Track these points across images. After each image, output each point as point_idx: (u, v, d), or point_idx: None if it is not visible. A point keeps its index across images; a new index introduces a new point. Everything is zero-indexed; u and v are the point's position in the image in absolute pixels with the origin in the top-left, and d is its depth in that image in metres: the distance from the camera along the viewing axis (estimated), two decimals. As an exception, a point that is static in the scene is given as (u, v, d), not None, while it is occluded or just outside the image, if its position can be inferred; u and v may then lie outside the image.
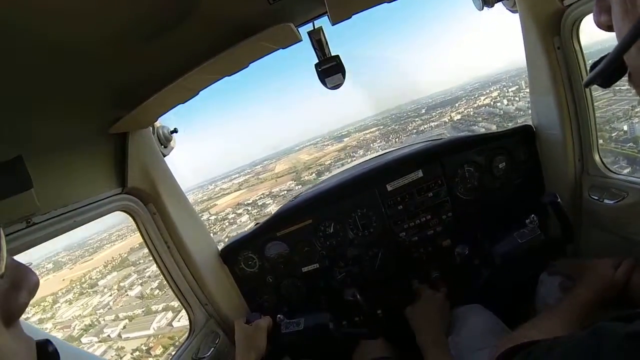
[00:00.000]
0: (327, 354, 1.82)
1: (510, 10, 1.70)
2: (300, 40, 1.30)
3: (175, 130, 1.86)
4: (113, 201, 1.53)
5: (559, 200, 1.51)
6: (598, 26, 0.49)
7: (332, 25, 1.33)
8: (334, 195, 1.96)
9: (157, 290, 10.79)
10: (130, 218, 1.65)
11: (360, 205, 1.94)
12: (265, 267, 2.03)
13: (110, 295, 11.98)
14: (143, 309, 10.30)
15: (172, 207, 1.72)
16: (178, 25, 1.05)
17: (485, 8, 1.64)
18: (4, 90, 0.87)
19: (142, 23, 0.96)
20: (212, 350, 1.73)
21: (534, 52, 1.64)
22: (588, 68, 0.53)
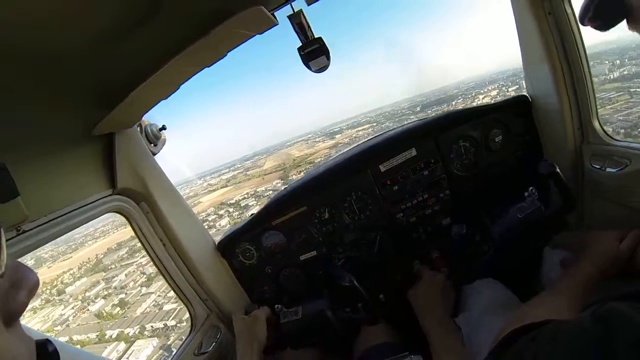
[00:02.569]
0: (329, 343, 1.81)
1: (497, -23, 1.63)
2: (276, 24, 1.26)
3: (164, 127, 1.84)
4: (104, 203, 1.52)
5: (556, 169, 1.46)
6: None
7: (308, 5, 1.29)
8: (326, 180, 1.93)
9: (118, 309, 10.62)
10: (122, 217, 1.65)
11: (354, 188, 1.91)
12: (263, 257, 2.02)
13: (73, 308, 11.88)
14: (97, 333, 10.11)
15: (165, 205, 1.71)
16: (150, 18, 1.02)
17: None
18: None
19: (117, 22, 0.95)
20: (214, 344, 1.74)
21: (524, 19, 1.58)
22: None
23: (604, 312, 0.60)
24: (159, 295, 10.03)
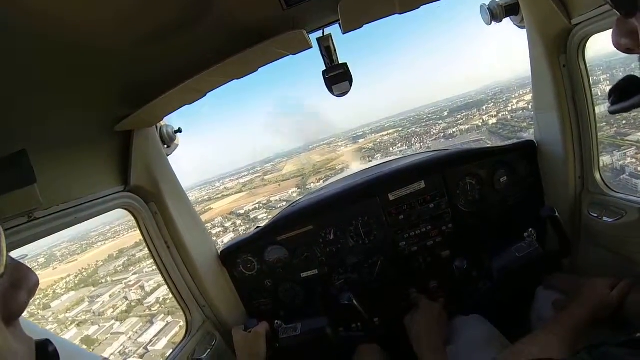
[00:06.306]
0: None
1: (518, 26, 1.71)
2: (311, 47, 1.31)
3: (179, 130, 1.86)
4: (115, 199, 1.53)
5: (556, 214, 1.52)
6: (616, 47, 0.48)
7: (343, 34, 1.34)
8: (336, 203, 1.97)
9: (84, 347, 10.22)
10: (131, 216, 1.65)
11: (361, 213, 1.95)
12: (264, 270, 2.03)
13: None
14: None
15: (174, 207, 1.72)
16: (191, 27, 1.06)
17: (493, 23, 1.66)
18: (12, 86, 0.88)
19: (159, 26, 0.98)
20: (208, 351, 1.73)
21: (539, 68, 1.65)
22: (607, 90, 0.53)
23: (601, 354, 0.64)
24: (129, 338, 9.55)
